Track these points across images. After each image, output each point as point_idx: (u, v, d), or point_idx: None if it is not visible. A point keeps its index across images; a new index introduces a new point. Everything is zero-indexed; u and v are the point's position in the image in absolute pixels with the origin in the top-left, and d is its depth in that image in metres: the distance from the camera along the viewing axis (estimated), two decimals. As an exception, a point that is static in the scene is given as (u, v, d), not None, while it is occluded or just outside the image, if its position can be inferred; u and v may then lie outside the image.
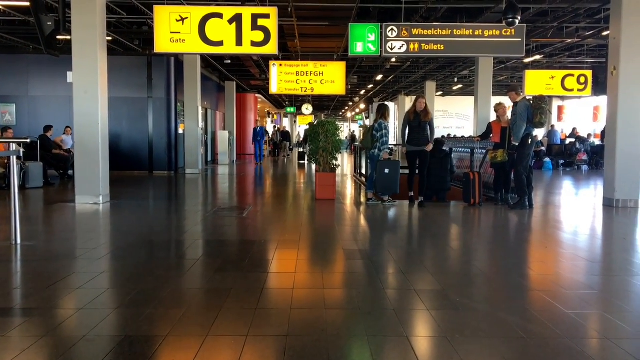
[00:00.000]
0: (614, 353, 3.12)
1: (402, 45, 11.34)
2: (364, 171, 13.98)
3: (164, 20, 10.29)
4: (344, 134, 51.70)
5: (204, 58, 18.22)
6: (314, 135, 10.68)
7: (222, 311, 3.70)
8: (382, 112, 9.79)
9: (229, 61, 19.40)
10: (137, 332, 3.30)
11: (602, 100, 16.08)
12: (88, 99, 9.16)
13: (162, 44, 10.36)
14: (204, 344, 3.09)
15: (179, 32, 10.32)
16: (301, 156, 23.90)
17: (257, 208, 9.28)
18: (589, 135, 21.83)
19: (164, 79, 16.33)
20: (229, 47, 10.45)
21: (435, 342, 3.24)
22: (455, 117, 30.11)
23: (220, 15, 10.31)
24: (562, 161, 20.24)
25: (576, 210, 9.30)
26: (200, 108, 17.24)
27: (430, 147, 9.26)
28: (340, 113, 54.52)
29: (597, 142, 20.24)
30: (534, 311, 3.87)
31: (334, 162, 10.49)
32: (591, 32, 14.66)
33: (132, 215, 8.27)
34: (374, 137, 9.82)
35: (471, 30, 11.28)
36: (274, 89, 16.53)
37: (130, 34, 15.19)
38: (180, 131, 17.21)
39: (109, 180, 9.63)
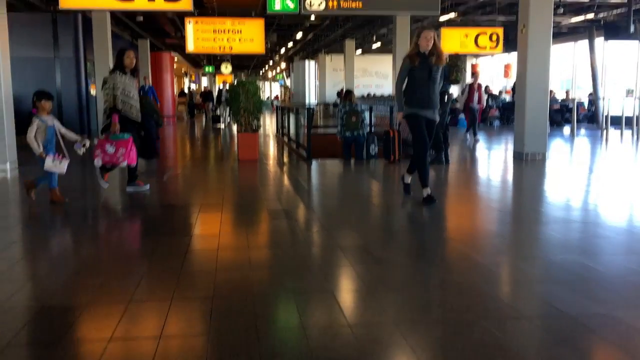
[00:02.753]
0: (525, 296, 3.33)
1: (321, 2, 11.24)
2: (287, 131, 13.94)
3: (69, -27, 9.62)
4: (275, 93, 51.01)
5: (114, 15, 17.24)
6: (235, 95, 10.48)
7: (144, 277, 3.63)
8: (350, 96, 10.56)
9: (141, 18, 18.49)
10: (55, 302, 3.17)
11: (513, 58, 16.73)
12: (-13, 58, 8.48)
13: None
14: (126, 310, 3.02)
15: (86, -13, 9.69)
16: (215, 119, 22.47)
17: (178, 171, 9.07)
18: (500, 92, 22.72)
19: (71, 37, 15.33)
20: (141, 3, 9.96)
21: (359, 295, 3.34)
22: (375, 75, 30.39)
23: (130, -31, 9.76)
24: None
25: (488, 164, 9.74)
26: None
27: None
28: (261, 72, 53.73)
29: (508, 98, 21.09)
30: (451, 261, 4.05)
31: (256, 122, 10.38)
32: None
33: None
34: (359, 118, 10.00)
35: (389, -12, 11.33)
36: (190, 47, 15.98)
37: (31, -12, 14.11)
38: (93, 93, 16.37)
39: (17, 146, 9.05)
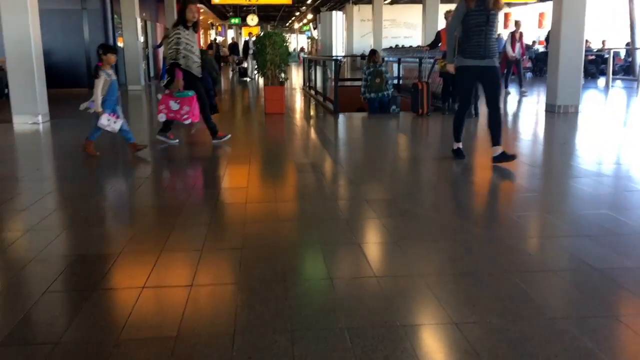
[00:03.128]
0: (551, 249, 3.32)
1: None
2: (313, 84, 13.83)
3: None
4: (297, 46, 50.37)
5: (141, -35, 17.10)
6: (261, 47, 10.37)
7: (175, 228, 3.70)
8: (374, 57, 10.17)
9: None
10: (89, 252, 3.27)
11: (548, 7, 16.12)
12: (17, 11, 8.51)
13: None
14: (158, 259, 3.11)
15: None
16: (242, 73, 21.59)
17: (202, 124, 9.11)
18: (534, 42, 22.02)
19: (98, -13, 15.29)
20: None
21: (385, 247, 3.36)
22: (403, 26, 29.68)
23: None
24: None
25: (520, 117, 9.55)
26: (139, 20, 16.37)
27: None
28: (287, 24, 52.95)
29: (542, 49, 20.46)
30: (478, 215, 4.04)
31: (283, 75, 10.30)
32: None
33: (74, 134, 7.98)
34: (383, 79, 9.88)
35: None
36: (216, -2, 15.79)
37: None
38: (120, 45, 16.39)
39: (48, 99, 9.18)
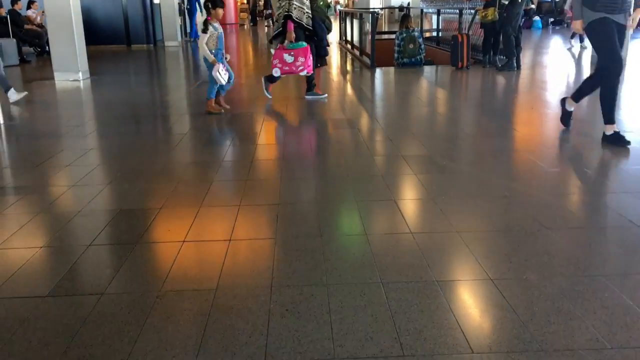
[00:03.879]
0: (591, 205, 3.25)
1: None
2: (349, 38, 13.60)
3: None
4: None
5: None
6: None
7: (213, 183, 3.77)
8: (406, 22, 10.06)
9: None
10: (132, 206, 3.37)
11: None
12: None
13: None
14: (198, 214, 3.18)
15: None
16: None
17: (241, 80, 9.11)
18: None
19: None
20: None
21: (421, 203, 3.35)
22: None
23: None
24: (552, 19, 19.73)
25: (563, 70, 9.22)
26: (174, -25, 16.29)
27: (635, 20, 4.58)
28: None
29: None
30: (518, 171, 3.97)
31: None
32: None
33: (114, 91, 8.11)
34: (416, 44, 9.82)
35: None
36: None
37: None
38: (156, 1, 16.37)
39: (87, 56, 9.31)
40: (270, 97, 6.85)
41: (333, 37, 17.82)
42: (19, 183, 3.93)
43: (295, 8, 6.38)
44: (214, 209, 3.27)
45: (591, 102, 5.54)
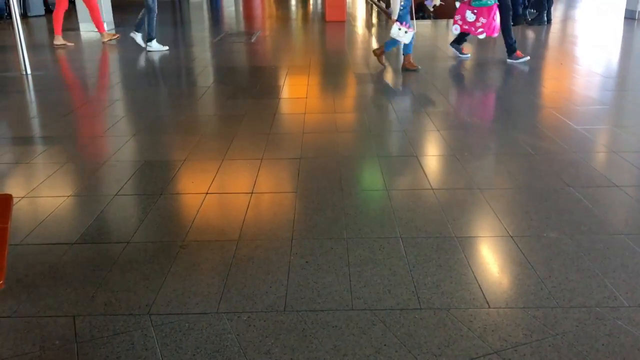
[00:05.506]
0: (618, 164, 3.20)
1: None
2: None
3: None
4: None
5: None
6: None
7: (236, 137, 3.79)
8: None
9: None
10: (156, 157, 3.41)
11: None
12: None
13: None
14: (221, 166, 3.21)
15: None
16: None
17: (265, 33, 9.02)
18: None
19: None
20: None
21: (443, 160, 3.34)
22: None
23: None
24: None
25: (596, 25, 8.92)
26: None
27: None
28: None
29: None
30: (543, 128, 3.91)
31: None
32: None
33: (138, 44, 8.10)
34: None
35: None
36: None
37: None
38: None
39: (112, 7, 9.28)
40: (464, 56, 6.51)
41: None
42: (47, 133, 3.99)
43: None
44: (236, 162, 3.30)
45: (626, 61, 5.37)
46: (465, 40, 6.50)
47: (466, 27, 6.09)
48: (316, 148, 3.55)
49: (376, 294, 1.97)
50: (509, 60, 6.20)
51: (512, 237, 2.34)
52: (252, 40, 7.42)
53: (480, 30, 5.98)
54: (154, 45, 7.19)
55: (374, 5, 12.77)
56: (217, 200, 2.80)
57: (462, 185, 2.91)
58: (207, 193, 2.86)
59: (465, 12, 6.03)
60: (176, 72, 6.19)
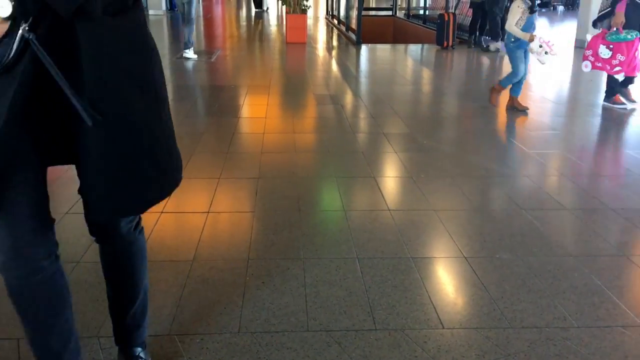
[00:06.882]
0: (568, 188, 3.30)
1: None
2: (335, 12, 13.49)
3: None
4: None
5: None
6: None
7: (193, 155, 3.75)
8: None
9: None
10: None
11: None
12: None
13: None
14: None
15: None
16: (258, 3, 19.00)
17: (226, 52, 9.02)
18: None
19: None
20: None
21: (400, 181, 3.38)
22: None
23: None
24: (539, 1, 19.71)
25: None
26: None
27: None
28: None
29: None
30: (497, 152, 4.01)
31: (305, 2, 10.04)
32: None
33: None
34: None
35: None
36: None
37: None
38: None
39: None
40: (631, 104, 5.29)
41: (320, 11, 17.64)
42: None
43: None
44: (193, 181, 3.26)
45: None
46: (632, 83, 5.37)
47: (599, 64, 5.09)
48: (274, 168, 3.54)
49: (332, 314, 1.96)
50: (604, 103, 5.39)
51: (466, 258, 2.37)
52: (212, 60, 7.40)
53: (617, 69, 5.00)
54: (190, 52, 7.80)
55: (334, 28, 12.94)
56: (172, 220, 2.75)
57: (418, 206, 2.94)
58: (162, 212, 2.80)
59: (598, 47, 5.06)
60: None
